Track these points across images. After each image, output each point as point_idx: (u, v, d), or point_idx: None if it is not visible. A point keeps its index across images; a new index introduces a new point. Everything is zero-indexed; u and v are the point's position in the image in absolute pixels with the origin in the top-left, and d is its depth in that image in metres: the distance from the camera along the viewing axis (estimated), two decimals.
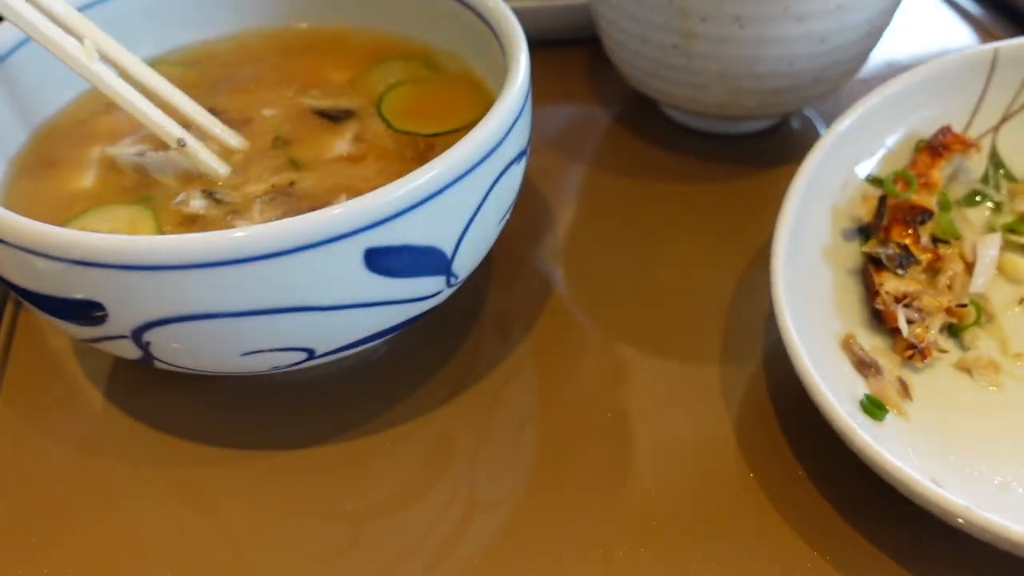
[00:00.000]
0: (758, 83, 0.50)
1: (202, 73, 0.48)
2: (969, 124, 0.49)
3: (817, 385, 0.35)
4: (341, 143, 0.42)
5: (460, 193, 0.34)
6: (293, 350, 0.36)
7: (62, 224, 0.35)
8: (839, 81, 0.53)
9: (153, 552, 0.37)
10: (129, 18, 0.47)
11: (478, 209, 0.36)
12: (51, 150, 0.43)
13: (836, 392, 0.36)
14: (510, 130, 0.36)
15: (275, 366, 0.37)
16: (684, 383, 0.43)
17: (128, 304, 0.33)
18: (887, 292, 0.42)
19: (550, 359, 0.44)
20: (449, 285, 0.38)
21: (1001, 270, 0.44)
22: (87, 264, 0.31)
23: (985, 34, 0.67)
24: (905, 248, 0.43)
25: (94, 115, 0.45)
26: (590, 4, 0.55)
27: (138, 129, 0.43)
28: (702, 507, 0.37)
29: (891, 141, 0.48)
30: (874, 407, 0.37)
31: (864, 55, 0.53)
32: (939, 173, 0.46)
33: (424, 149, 0.41)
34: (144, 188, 0.40)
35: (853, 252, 0.45)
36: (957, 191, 0.48)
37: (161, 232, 0.38)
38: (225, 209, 0.39)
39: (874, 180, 0.46)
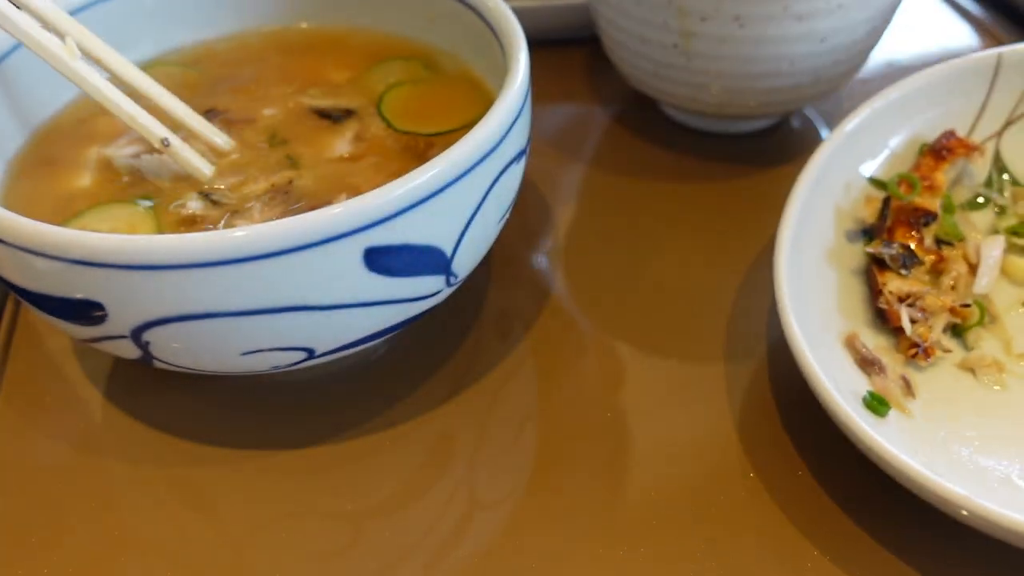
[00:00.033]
0: (758, 82, 0.50)
1: (202, 73, 0.48)
2: (973, 128, 0.49)
3: (819, 378, 0.35)
4: (341, 143, 0.42)
5: (460, 192, 0.34)
6: (293, 350, 0.36)
7: (61, 224, 0.35)
8: (839, 81, 0.53)
9: (153, 552, 0.37)
10: (129, 18, 0.47)
11: (478, 208, 0.36)
12: (50, 151, 0.43)
13: (839, 388, 0.36)
14: (510, 130, 0.36)
15: (275, 366, 0.37)
16: (684, 382, 0.43)
17: (128, 304, 0.33)
18: (890, 291, 0.42)
19: (549, 359, 0.44)
20: (449, 284, 0.38)
21: (1004, 272, 0.44)
22: (87, 264, 0.31)
23: (985, 34, 0.67)
24: (909, 249, 0.43)
25: (93, 115, 0.45)
26: (590, 4, 0.55)
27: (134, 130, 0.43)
28: (703, 506, 0.37)
29: (895, 144, 0.48)
30: (877, 403, 0.37)
31: (864, 55, 0.53)
32: (943, 176, 0.46)
33: (424, 149, 0.41)
34: (141, 189, 0.40)
35: (857, 253, 0.45)
36: (961, 195, 0.48)
37: (161, 232, 0.38)
38: (225, 209, 0.39)
39: (878, 183, 0.46)
